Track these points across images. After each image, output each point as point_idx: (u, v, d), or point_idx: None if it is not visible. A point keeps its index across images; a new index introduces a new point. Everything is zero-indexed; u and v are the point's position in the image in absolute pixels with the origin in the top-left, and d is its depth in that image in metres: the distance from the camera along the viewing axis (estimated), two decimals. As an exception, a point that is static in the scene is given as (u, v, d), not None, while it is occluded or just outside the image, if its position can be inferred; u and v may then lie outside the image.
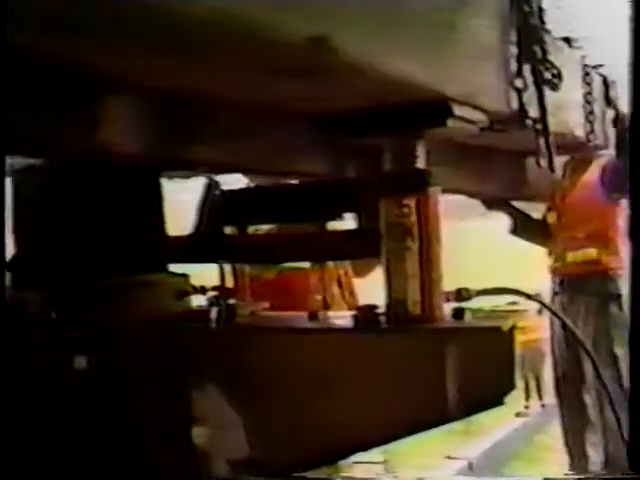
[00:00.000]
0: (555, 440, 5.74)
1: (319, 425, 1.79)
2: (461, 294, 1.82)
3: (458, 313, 1.75)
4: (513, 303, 1.83)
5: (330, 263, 3.40)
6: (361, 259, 2.93)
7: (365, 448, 1.87)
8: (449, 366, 1.66)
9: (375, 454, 4.96)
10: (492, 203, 4.07)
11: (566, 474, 4.85)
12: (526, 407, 10.17)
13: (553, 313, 1.84)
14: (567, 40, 2.52)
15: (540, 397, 10.11)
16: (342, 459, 2.15)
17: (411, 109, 1.67)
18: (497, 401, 1.68)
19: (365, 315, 1.80)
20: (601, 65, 2.92)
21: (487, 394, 1.68)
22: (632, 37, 1.80)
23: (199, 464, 1.89)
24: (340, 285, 3.75)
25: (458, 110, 1.68)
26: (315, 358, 1.79)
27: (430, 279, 1.75)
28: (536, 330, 9.37)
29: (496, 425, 9.76)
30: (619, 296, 4.59)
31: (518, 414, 10.06)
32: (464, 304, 1.80)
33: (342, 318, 1.90)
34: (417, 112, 1.67)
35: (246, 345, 1.87)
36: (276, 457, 1.88)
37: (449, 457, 8.66)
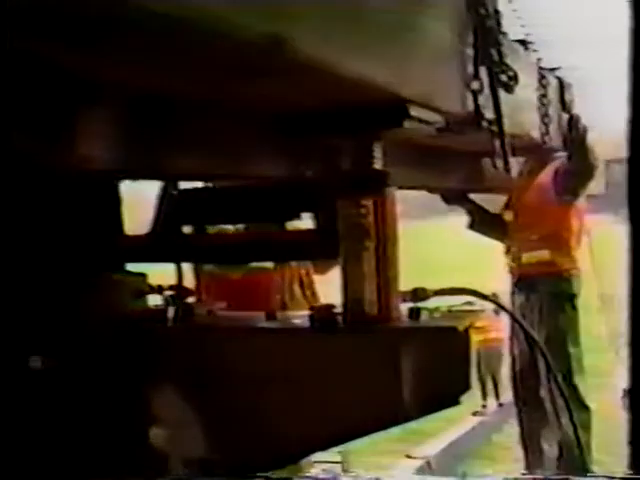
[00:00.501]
0: (512, 439, 5.79)
1: (276, 424, 1.80)
2: (417, 294, 1.83)
3: (414, 313, 1.76)
4: (469, 303, 1.83)
5: (292, 262, 3.42)
6: (319, 259, 2.94)
7: (322, 447, 1.88)
8: (405, 366, 1.67)
9: (333, 454, 4.98)
10: (451, 198, 4.10)
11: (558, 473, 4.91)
12: (483, 406, 10.26)
13: (508, 313, 1.86)
14: (523, 43, 2.55)
15: (497, 396, 10.21)
16: (300, 459, 2.16)
17: (368, 110, 1.68)
18: (453, 401, 1.69)
19: (322, 315, 1.80)
20: (557, 68, 2.95)
21: (443, 394, 1.70)
22: (632, 37, 1.81)
23: (158, 463, 1.88)
24: (302, 284, 3.76)
25: (414, 111, 1.69)
26: (272, 358, 1.79)
27: (387, 279, 1.76)
28: (493, 330, 9.46)
29: (454, 424, 9.81)
30: (573, 296, 4.66)
31: (475, 413, 10.15)
32: (420, 304, 1.81)
33: (300, 318, 1.90)
34: (374, 113, 1.68)
35: (203, 344, 1.86)
36: (234, 457, 1.87)
37: (408, 456, 8.72)
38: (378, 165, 1.78)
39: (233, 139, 1.81)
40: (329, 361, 1.73)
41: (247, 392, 1.83)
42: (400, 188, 2.17)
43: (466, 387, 1.70)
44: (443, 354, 1.68)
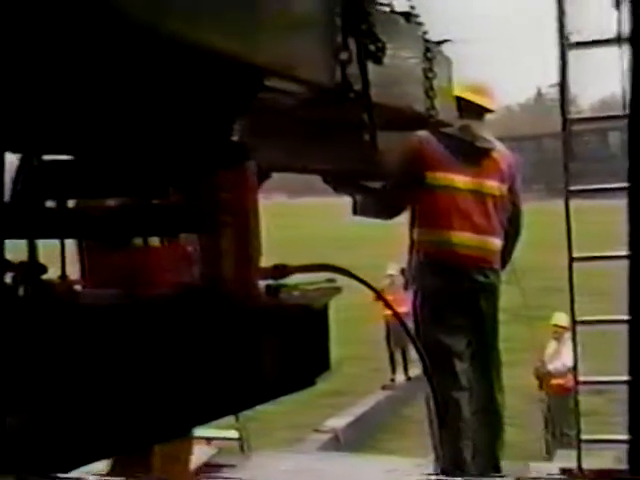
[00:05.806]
0: (421, 412, 5.84)
1: (134, 404, 1.72)
2: (278, 271, 1.78)
3: (272, 290, 1.71)
4: (331, 280, 1.78)
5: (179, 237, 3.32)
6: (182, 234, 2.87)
7: (181, 430, 1.82)
8: (259, 344, 1.62)
9: (230, 431, 4.94)
10: (338, 185, 3.98)
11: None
12: (392, 380, 10.36)
13: (369, 287, 1.80)
14: (406, 15, 2.51)
15: (406, 370, 10.31)
16: (165, 440, 2.09)
17: (221, 80, 1.60)
18: (308, 381, 1.64)
19: (181, 292, 1.74)
20: (445, 41, 2.92)
21: (298, 374, 1.65)
22: (632, 35, 1.78)
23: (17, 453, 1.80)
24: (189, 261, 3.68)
25: (272, 81, 1.63)
26: (131, 336, 1.72)
27: (246, 255, 1.70)
28: (403, 305, 9.49)
29: (363, 398, 9.89)
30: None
31: (384, 387, 10.25)
32: (281, 281, 1.76)
33: (162, 296, 1.83)
34: (228, 84, 1.61)
35: (56, 324, 1.78)
36: (104, 439, 1.80)
37: (316, 430, 8.76)
38: (236, 137, 1.71)
39: (88, 111, 1.71)
40: (183, 339, 1.66)
41: (109, 371, 1.75)
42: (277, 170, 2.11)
43: (324, 367, 1.66)
44: (299, 333, 1.63)
